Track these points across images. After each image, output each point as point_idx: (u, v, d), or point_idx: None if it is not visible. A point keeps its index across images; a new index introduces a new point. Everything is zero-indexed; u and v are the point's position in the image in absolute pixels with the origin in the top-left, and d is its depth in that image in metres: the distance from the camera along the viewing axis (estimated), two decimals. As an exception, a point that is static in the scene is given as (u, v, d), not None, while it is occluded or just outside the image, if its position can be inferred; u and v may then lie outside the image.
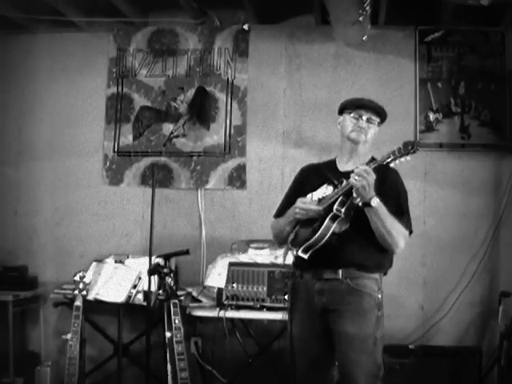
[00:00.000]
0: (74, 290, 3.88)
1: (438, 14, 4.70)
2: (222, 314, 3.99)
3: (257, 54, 4.95)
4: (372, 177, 2.66)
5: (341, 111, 3.01)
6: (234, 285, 4.07)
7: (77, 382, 3.71)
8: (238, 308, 4.04)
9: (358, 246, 2.79)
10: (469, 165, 4.71)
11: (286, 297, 3.95)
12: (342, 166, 2.97)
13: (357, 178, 2.65)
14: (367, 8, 3.93)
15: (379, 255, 2.84)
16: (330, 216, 2.74)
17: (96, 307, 4.35)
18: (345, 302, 2.78)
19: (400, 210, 2.83)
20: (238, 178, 4.90)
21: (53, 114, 5.09)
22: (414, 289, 4.68)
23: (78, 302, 3.82)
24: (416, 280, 4.68)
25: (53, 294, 4.60)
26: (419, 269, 4.68)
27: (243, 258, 4.39)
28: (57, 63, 5.10)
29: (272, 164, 4.88)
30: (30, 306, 4.87)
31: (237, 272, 4.10)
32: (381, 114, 2.93)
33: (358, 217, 2.74)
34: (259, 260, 4.32)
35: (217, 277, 4.31)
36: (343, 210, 2.73)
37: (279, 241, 3.09)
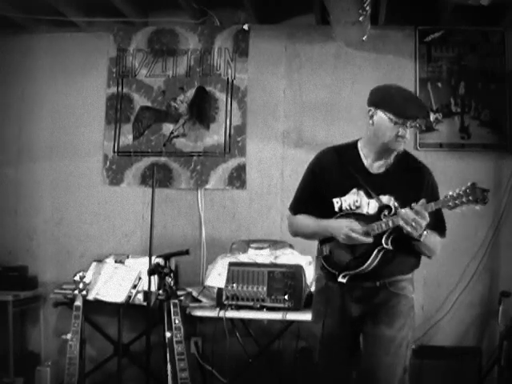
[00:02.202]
0: (74, 289, 3.87)
1: (438, 14, 4.70)
2: (222, 314, 3.99)
3: (257, 54, 4.95)
4: (426, 220, 2.44)
5: (377, 105, 2.62)
6: (234, 285, 4.07)
7: (77, 382, 3.71)
8: (238, 308, 4.04)
9: (397, 258, 2.67)
10: (469, 165, 4.71)
11: (286, 297, 3.96)
12: (371, 165, 2.72)
13: (413, 224, 2.43)
14: (367, 8, 3.93)
15: (412, 257, 2.75)
16: (378, 249, 2.60)
17: (96, 307, 4.35)
18: (383, 306, 2.69)
19: (440, 224, 2.68)
20: (238, 178, 4.90)
21: (53, 113, 5.09)
22: (414, 289, 4.66)
23: (78, 302, 3.82)
24: (416, 280, 4.65)
25: (53, 294, 4.61)
26: (419, 269, 4.65)
27: (243, 258, 4.39)
28: (57, 63, 5.10)
29: (272, 164, 4.88)
30: (30, 306, 4.88)
31: (237, 272, 4.10)
32: (426, 117, 2.79)
33: (398, 235, 2.58)
34: (259, 260, 4.32)
35: (217, 277, 4.31)
36: (390, 244, 2.59)
37: (296, 236, 2.92)
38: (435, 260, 4.63)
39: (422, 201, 2.47)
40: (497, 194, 4.65)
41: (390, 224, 2.54)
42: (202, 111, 4.95)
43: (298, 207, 2.88)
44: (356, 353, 2.78)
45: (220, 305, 4.06)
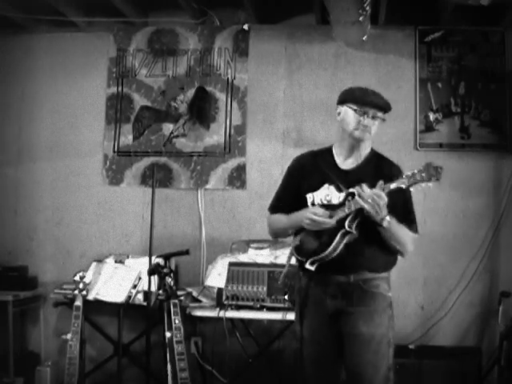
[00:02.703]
0: (74, 289, 3.88)
1: (438, 14, 4.70)
2: (222, 314, 3.99)
3: (257, 54, 4.95)
4: (384, 201, 2.53)
5: (342, 101, 2.83)
6: (234, 285, 4.07)
7: (77, 382, 3.71)
8: (238, 308, 4.04)
9: (367, 250, 2.74)
10: (469, 165, 4.71)
11: (286, 297, 3.96)
12: (342, 162, 2.86)
13: (370, 201, 2.53)
14: (367, 8, 3.93)
15: (387, 255, 2.80)
16: (341, 232, 2.66)
17: (96, 307, 4.35)
18: (358, 304, 2.74)
19: (408, 216, 2.77)
20: (238, 178, 4.90)
21: (53, 113, 5.09)
22: (414, 289, 4.68)
23: (78, 302, 3.82)
24: (416, 280, 4.68)
25: (53, 294, 4.61)
26: (419, 269, 4.68)
27: (243, 258, 4.39)
28: (57, 63, 5.10)
29: (272, 164, 4.88)
30: (30, 306, 4.88)
31: (237, 272, 4.10)
32: (386, 109, 2.79)
33: (367, 223, 2.65)
34: (259, 260, 4.32)
35: (217, 277, 4.31)
36: (354, 227, 2.65)
37: (276, 237, 3.05)
38: (435, 260, 4.68)
39: (380, 182, 2.57)
40: (497, 194, 4.66)
41: (352, 207, 2.62)
42: (202, 111, 4.95)
43: (275, 207, 3.01)
44: (342, 352, 2.81)
45: (220, 305, 4.07)
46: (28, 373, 4.68)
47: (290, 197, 2.92)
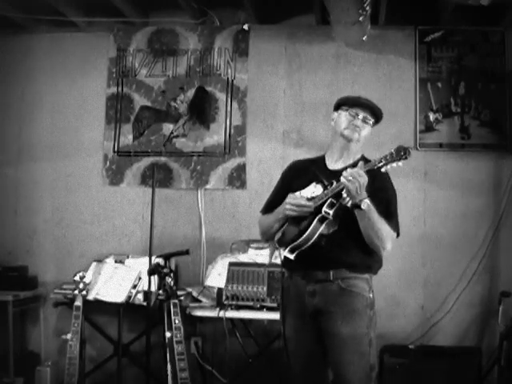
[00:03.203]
0: (74, 289, 3.88)
1: (438, 14, 4.70)
2: (222, 314, 3.99)
3: (257, 54, 4.95)
4: (364, 179, 2.62)
5: (336, 108, 2.97)
6: (234, 285, 4.07)
7: (77, 382, 3.71)
8: (238, 308, 4.04)
9: (348, 247, 2.78)
10: (469, 165, 4.71)
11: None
12: (332, 164, 2.93)
13: (350, 178, 2.61)
14: (367, 8, 3.93)
15: (368, 256, 2.83)
16: (318, 217, 2.72)
17: (96, 307, 4.35)
18: (336, 303, 2.76)
19: (389, 211, 2.80)
20: (238, 178, 4.90)
21: (53, 113, 5.09)
22: (414, 289, 4.68)
23: (78, 302, 3.82)
24: (416, 280, 4.68)
25: (53, 294, 4.60)
26: (419, 269, 4.68)
27: (243, 258, 4.39)
28: (57, 63, 5.10)
29: (272, 164, 4.87)
30: (30, 306, 4.88)
31: (237, 272, 4.10)
32: (377, 114, 2.89)
33: (348, 218, 2.71)
34: (259, 260, 4.32)
35: (217, 277, 4.31)
36: (331, 213, 2.70)
37: (266, 237, 3.07)
38: (435, 260, 4.68)
39: (360, 163, 2.68)
40: (497, 194, 4.66)
41: (331, 192, 2.70)
42: (202, 111, 4.95)
43: (265, 209, 3.08)
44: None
45: (220, 305, 4.07)
46: (28, 373, 4.68)
47: (279, 198, 2.95)
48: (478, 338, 4.59)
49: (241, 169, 4.90)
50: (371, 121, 2.88)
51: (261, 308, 4.01)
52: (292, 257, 2.77)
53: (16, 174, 5.09)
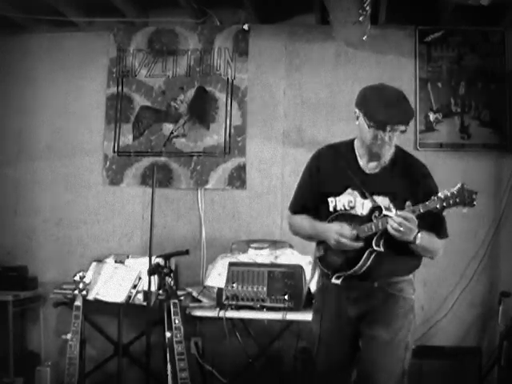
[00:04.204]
0: (74, 289, 3.87)
1: (438, 14, 4.70)
2: (222, 314, 3.98)
3: (257, 53, 4.95)
4: (415, 223, 2.42)
5: (358, 105, 2.63)
6: (234, 285, 4.07)
7: (77, 382, 3.71)
8: (238, 308, 4.04)
9: (394, 259, 2.64)
10: (469, 165, 4.71)
11: (286, 297, 3.96)
12: (365, 165, 2.69)
13: (400, 229, 2.42)
14: (367, 8, 3.93)
15: (411, 258, 2.71)
16: (368, 251, 2.58)
17: (96, 307, 4.35)
18: (381, 309, 2.67)
19: (439, 222, 2.64)
20: (238, 178, 4.90)
21: (53, 113, 5.09)
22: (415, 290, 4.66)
23: (78, 302, 3.82)
24: (416, 280, 4.65)
25: (53, 294, 4.60)
26: (419, 269, 4.66)
27: (243, 258, 4.39)
28: (57, 63, 5.10)
29: (272, 164, 4.88)
30: (29, 306, 4.87)
31: (237, 272, 4.10)
32: (407, 122, 2.57)
33: (392, 239, 2.53)
34: (259, 260, 4.32)
35: (217, 277, 4.31)
36: (381, 246, 2.56)
37: (298, 236, 2.93)
38: (435, 260, 4.66)
39: (408, 203, 2.46)
40: (497, 194, 4.66)
41: (380, 226, 2.52)
42: (202, 111, 4.94)
43: (296, 207, 2.89)
44: (356, 354, 2.77)
45: (220, 305, 4.06)
46: (28, 373, 4.68)
47: (310, 197, 2.81)
48: (478, 338, 4.59)
49: (241, 169, 4.90)
50: (401, 128, 2.57)
51: (261, 308, 4.00)
52: (339, 282, 2.67)
53: (16, 174, 5.09)
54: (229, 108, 4.93)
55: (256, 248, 4.49)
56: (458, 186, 2.37)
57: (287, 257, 4.34)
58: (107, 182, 5.02)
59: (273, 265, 4.19)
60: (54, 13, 4.76)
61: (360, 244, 2.57)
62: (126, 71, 5.05)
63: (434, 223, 2.59)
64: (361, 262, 2.59)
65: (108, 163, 5.02)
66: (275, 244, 4.50)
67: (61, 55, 5.10)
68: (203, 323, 4.58)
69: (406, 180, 2.57)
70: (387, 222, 2.47)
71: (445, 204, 2.36)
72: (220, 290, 4.13)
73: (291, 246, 4.47)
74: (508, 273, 4.60)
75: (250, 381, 4.35)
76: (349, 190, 2.67)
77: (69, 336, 3.73)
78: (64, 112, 5.08)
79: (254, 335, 4.53)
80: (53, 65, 5.11)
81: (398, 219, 2.43)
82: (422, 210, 2.43)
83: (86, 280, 3.91)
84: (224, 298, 4.06)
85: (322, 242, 2.75)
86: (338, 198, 2.69)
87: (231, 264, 4.17)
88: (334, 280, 2.68)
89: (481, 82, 4.72)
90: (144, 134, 5.00)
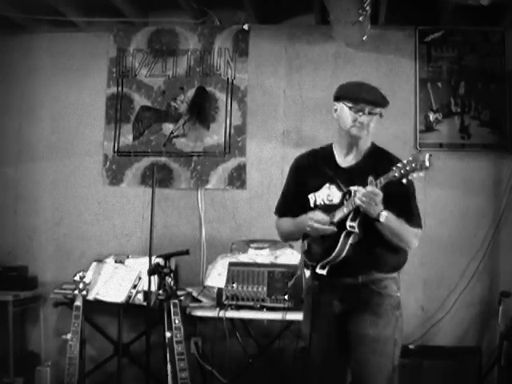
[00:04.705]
0: (74, 289, 3.88)
1: (438, 14, 4.71)
2: (222, 314, 3.99)
3: (257, 54, 4.95)
4: (379, 197, 2.53)
5: (337, 98, 2.81)
6: (234, 285, 4.07)
7: (77, 382, 3.71)
8: (238, 308, 4.04)
9: (374, 251, 2.72)
10: (469, 165, 4.71)
11: (286, 297, 3.96)
12: (342, 160, 2.83)
13: (364, 199, 2.53)
14: (367, 8, 3.93)
15: (395, 255, 2.78)
16: (344, 233, 2.65)
17: (96, 307, 4.35)
18: (366, 306, 2.72)
19: (409, 209, 2.73)
20: (238, 178, 4.90)
21: (53, 113, 5.09)
22: (414, 289, 4.67)
23: (78, 302, 3.82)
24: (416, 280, 4.68)
25: (53, 294, 4.61)
26: (419, 269, 4.67)
27: (243, 258, 4.39)
28: (57, 63, 5.10)
29: (272, 164, 4.88)
30: (29, 306, 4.88)
31: (237, 272, 4.10)
32: (383, 104, 2.72)
33: (370, 224, 2.64)
34: (259, 260, 4.32)
35: (217, 277, 4.31)
36: (356, 226, 2.63)
37: (286, 240, 3.05)
38: (435, 260, 4.68)
39: (370, 178, 2.56)
40: (497, 194, 4.66)
41: (351, 206, 2.61)
42: (202, 111, 4.94)
43: (280, 210, 3.02)
44: (348, 353, 2.80)
45: (220, 305, 4.07)
46: (28, 373, 4.68)
47: (293, 199, 2.93)
48: (478, 338, 4.59)
49: (241, 169, 4.90)
50: (378, 111, 2.72)
51: (261, 308, 4.01)
52: (324, 272, 2.72)
53: (16, 174, 5.09)
54: (229, 108, 4.93)
55: (256, 248, 4.49)
56: (414, 153, 2.54)
57: (287, 257, 4.34)
58: (107, 182, 5.02)
59: (273, 265, 4.19)
60: (54, 13, 4.76)
61: (333, 228, 2.65)
62: (126, 71, 5.05)
63: (403, 209, 2.67)
64: (338, 246, 2.65)
65: (108, 163, 5.02)
66: (275, 244, 4.50)
67: (61, 55, 5.10)
68: (203, 323, 4.58)
69: (379, 170, 2.61)
70: (355, 196, 2.58)
71: (403, 171, 2.45)
72: (220, 290, 4.13)
73: (291, 246, 4.47)
74: (508, 273, 4.60)
75: (250, 381, 4.36)
76: (326, 185, 2.78)
77: (69, 336, 3.73)
78: (64, 112, 5.08)
79: (254, 335, 4.54)
80: (53, 65, 5.11)
81: (362, 190, 2.55)
82: (383, 181, 2.53)
83: (86, 280, 3.91)
84: (224, 297, 4.06)
85: (305, 237, 2.83)
86: (317, 194, 2.81)
87: (231, 264, 4.18)
88: (319, 270, 2.73)
89: (481, 82, 4.72)
90: (144, 134, 5.01)
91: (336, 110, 2.81)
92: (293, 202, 2.92)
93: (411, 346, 4.33)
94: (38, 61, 5.11)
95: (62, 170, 5.05)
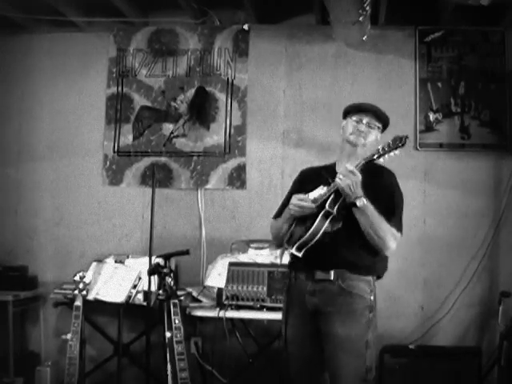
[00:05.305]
0: (74, 290, 3.88)
1: (438, 14, 4.71)
2: (222, 314, 3.99)
3: (257, 54, 4.95)
4: (357, 177, 2.70)
5: (344, 116, 3.03)
6: (234, 285, 4.07)
7: (77, 382, 3.71)
8: (238, 308, 4.04)
9: (351, 248, 2.79)
10: (469, 165, 4.71)
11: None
12: (339, 167, 2.96)
13: (341, 177, 2.70)
14: (367, 8, 3.93)
15: (372, 258, 2.83)
16: (321, 214, 2.76)
17: (96, 307, 4.36)
18: (335, 304, 2.77)
19: (391, 210, 2.81)
20: (238, 178, 4.90)
21: (53, 114, 5.09)
22: (414, 289, 4.68)
23: (78, 302, 3.82)
24: (416, 280, 4.68)
25: (53, 294, 4.60)
26: (419, 269, 4.68)
27: (243, 258, 4.39)
28: (57, 63, 5.10)
29: (272, 164, 4.88)
30: (30, 306, 4.88)
31: (237, 272, 4.10)
32: (381, 118, 2.94)
33: (351, 218, 2.75)
34: (259, 260, 4.32)
35: (217, 277, 4.31)
36: (334, 208, 2.75)
37: (278, 242, 3.08)
38: (435, 260, 4.68)
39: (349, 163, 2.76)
40: (497, 194, 4.66)
41: (332, 187, 2.77)
42: (202, 111, 4.94)
43: (278, 213, 3.11)
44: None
45: (220, 305, 4.07)
46: (28, 373, 4.68)
47: (289, 201, 2.96)
48: (478, 338, 4.59)
49: (241, 169, 4.90)
50: (376, 125, 2.93)
51: (261, 308, 4.01)
52: (300, 254, 2.80)
53: (16, 175, 5.09)
54: (229, 108, 4.93)
55: (256, 248, 4.49)
56: (393, 137, 2.72)
57: (287, 257, 4.33)
58: (107, 182, 5.02)
59: (273, 265, 4.18)
60: (54, 13, 4.76)
61: (312, 205, 2.79)
62: (125, 71, 5.05)
63: (386, 209, 2.77)
64: (314, 225, 2.75)
65: (108, 163, 5.02)
66: (274, 245, 4.49)
67: (61, 55, 5.10)
68: (203, 323, 4.58)
69: (371, 182, 2.76)
70: (335, 184, 2.75)
71: (381, 151, 2.71)
72: (220, 290, 4.13)
73: (291, 246, 4.47)
74: (508, 273, 4.60)
75: (250, 381, 4.36)
76: (321, 186, 2.89)
77: (69, 336, 3.73)
78: (64, 112, 5.08)
79: (254, 335, 4.54)
80: (53, 65, 5.11)
81: (342, 169, 2.76)
82: (363, 162, 2.75)
83: (86, 280, 3.92)
84: (224, 297, 4.07)
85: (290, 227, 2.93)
86: (310, 193, 2.90)
87: (231, 264, 4.18)
88: (294, 251, 2.81)
89: (481, 82, 4.72)
90: (144, 134, 5.01)
91: (342, 128, 3.02)
92: (288, 204, 2.96)
93: (411, 346, 4.34)
94: (38, 61, 5.11)
95: (62, 170, 5.05)
